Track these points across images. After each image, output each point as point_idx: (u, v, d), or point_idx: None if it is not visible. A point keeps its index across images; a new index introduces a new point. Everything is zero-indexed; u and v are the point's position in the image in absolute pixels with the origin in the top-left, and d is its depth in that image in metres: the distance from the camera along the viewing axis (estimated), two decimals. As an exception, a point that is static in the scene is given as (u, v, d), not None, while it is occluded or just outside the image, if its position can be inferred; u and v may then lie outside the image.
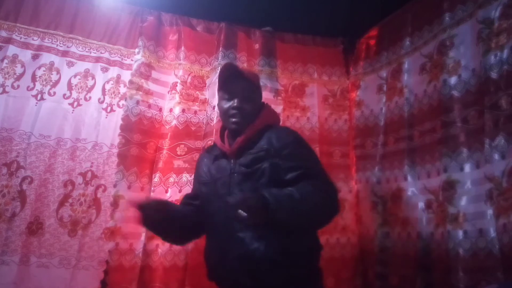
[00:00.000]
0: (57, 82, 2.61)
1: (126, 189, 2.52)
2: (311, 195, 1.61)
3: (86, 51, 2.72)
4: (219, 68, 2.89)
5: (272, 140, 1.79)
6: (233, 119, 1.82)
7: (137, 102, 2.66)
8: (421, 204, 2.41)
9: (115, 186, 2.51)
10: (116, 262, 2.43)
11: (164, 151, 2.69)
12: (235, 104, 1.81)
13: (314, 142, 3.01)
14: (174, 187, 2.64)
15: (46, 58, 2.61)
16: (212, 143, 1.98)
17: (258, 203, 1.50)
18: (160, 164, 2.67)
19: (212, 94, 2.81)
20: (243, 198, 1.51)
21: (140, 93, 2.69)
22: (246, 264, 1.64)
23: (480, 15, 2.15)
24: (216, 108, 2.13)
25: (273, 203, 1.51)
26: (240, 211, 1.47)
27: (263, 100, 2.93)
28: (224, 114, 1.86)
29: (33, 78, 2.56)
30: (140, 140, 2.64)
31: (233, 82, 1.84)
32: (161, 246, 2.51)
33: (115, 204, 2.47)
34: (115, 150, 2.59)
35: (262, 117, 1.89)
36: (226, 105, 1.84)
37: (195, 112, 2.83)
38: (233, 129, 1.83)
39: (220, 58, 2.94)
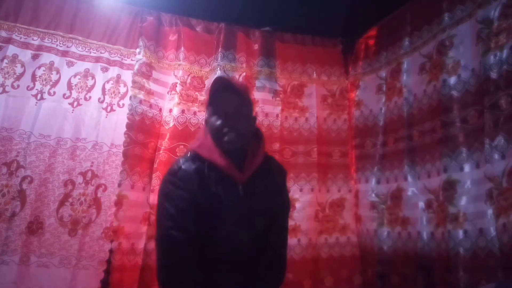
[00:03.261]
0: (57, 82, 2.61)
1: (129, 188, 2.53)
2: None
3: (86, 51, 2.72)
4: (218, 68, 2.90)
5: (276, 176, 1.79)
6: (227, 138, 1.62)
7: (140, 102, 2.67)
8: (421, 204, 2.42)
9: (119, 185, 2.51)
10: (118, 262, 2.43)
11: (161, 151, 2.69)
12: (229, 122, 1.62)
13: (312, 142, 3.03)
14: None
15: (46, 58, 2.61)
16: (194, 155, 1.70)
17: None
18: (156, 164, 2.67)
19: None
20: None
21: (143, 92, 2.70)
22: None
23: (479, 15, 2.16)
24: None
25: None
26: None
27: (261, 101, 3.00)
28: (216, 132, 1.64)
29: (33, 78, 2.57)
30: (142, 139, 2.65)
31: (226, 97, 1.66)
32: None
33: (119, 203, 2.47)
34: (115, 150, 2.60)
35: (263, 141, 1.79)
36: (218, 122, 1.63)
37: (195, 113, 2.83)
38: (227, 148, 1.64)
39: (219, 58, 2.94)
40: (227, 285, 1.60)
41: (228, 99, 1.66)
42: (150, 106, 2.74)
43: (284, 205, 1.80)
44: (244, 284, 1.61)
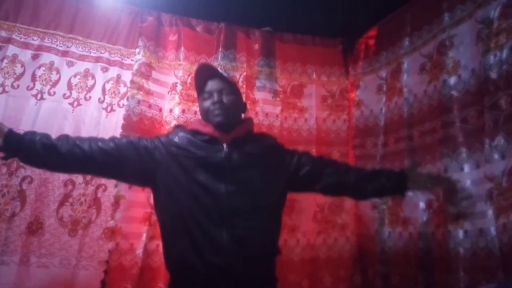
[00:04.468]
0: (57, 81, 2.61)
1: (127, 189, 2.52)
2: None
3: (86, 51, 2.72)
4: (219, 68, 2.90)
5: (268, 140, 1.92)
6: (217, 112, 1.78)
7: (138, 102, 2.66)
8: (422, 204, 2.42)
9: (116, 186, 2.52)
10: (116, 262, 2.43)
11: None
12: (215, 99, 1.79)
13: (311, 143, 3.03)
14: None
15: (46, 58, 2.61)
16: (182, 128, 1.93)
17: None
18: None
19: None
20: None
21: (141, 93, 2.69)
22: (244, 251, 1.62)
23: (479, 15, 2.16)
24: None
25: None
26: None
27: (261, 100, 3.00)
28: (206, 113, 1.83)
29: (33, 78, 2.56)
30: (141, 140, 2.63)
31: (211, 80, 1.84)
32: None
33: (116, 204, 2.47)
34: (116, 150, 2.59)
35: (251, 121, 1.97)
36: (207, 103, 1.82)
37: (195, 112, 2.81)
38: (217, 122, 1.78)
39: (219, 58, 2.94)
40: None
41: (212, 82, 1.83)
42: (149, 106, 2.74)
43: (302, 154, 1.95)
44: None
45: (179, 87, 2.82)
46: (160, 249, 2.47)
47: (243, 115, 1.99)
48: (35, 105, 2.52)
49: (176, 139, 1.79)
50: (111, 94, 2.71)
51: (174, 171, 1.72)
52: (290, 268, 2.75)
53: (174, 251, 1.70)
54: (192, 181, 1.68)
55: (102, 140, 1.78)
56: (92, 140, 1.76)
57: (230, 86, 1.88)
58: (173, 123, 2.74)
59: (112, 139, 1.80)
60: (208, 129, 1.79)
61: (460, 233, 2.10)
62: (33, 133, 1.70)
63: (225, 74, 1.95)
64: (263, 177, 1.75)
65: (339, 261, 2.88)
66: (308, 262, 2.83)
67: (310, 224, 2.90)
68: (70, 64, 2.66)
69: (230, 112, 1.80)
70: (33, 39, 2.60)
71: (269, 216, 1.74)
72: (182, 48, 2.92)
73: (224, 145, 1.74)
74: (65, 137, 1.74)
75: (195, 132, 1.81)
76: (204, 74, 1.87)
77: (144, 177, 1.79)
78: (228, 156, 1.72)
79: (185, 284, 1.66)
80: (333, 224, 2.94)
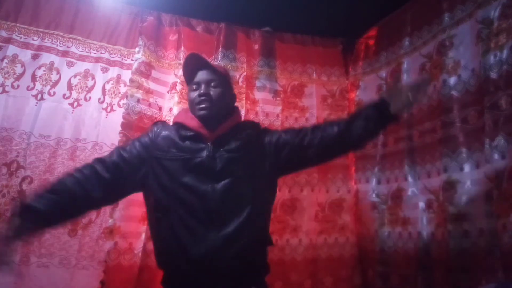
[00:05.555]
0: (57, 82, 2.61)
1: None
2: None
3: (86, 51, 2.72)
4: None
5: (251, 129, 1.86)
6: (201, 105, 1.73)
7: (138, 101, 2.66)
8: (421, 204, 2.42)
9: (115, 185, 2.51)
10: (115, 262, 2.42)
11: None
12: (201, 91, 1.75)
13: (312, 142, 3.02)
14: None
15: (46, 58, 2.61)
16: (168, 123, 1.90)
17: None
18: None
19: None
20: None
21: (141, 91, 2.70)
22: (233, 248, 1.58)
23: (479, 15, 2.16)
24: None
25: None
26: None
27: (261, 100, 3.00)
28: (192, 104, 1.78)
29: (33, 78, 2.56)
30: (140, 138, 2.63)
31: (200, 71, 1.81)
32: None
33: (114, 203, 2.47)
34: (115, 150, 2.59)
35: (238, 113, 1.92)
36: (194, 94, 1.78)
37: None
38: (201, 115, 1.74)
39: (219, 58, 2.94)
40: None
41: (200, 73, 1.80)
42: (149, 105, 2.74)
43: (281, 134, 1.85)
44: None
45: (179, 87, 2.81)
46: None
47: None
48: (35, 105, 2.53)
49: (159, 140, 1.76)
50: (111, 94, 2.71)
51: (158, 174, 1.69)
52: (293, 268, 2.76)
53: (161, 251, 1.69)
54: (177, 183, 1.65)
55: (97, 174, 1.69)
56: (87, 178, 1.68)
57: (219, 77, 1.83)
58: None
59: (103, 165, 1.72)
60: (193, 123, 1.75)
61: (460, 233, 2.09)
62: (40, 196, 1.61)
63: (217, 63, 1.89)
64: (247, 170, 1.71)
65: (340, 261, 2.88)
66: (310, 262, 2.83)
67: (312, 223, 2.90)
68: (70, 64, 2.67)
69: (216, 106, 1.76)
70: (33, 39, 2.61)
71: (257, 209, 1.68)
72: (182, 48, 2.91)
73: (209, 144, 1.70)
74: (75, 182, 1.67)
75: (179, 126, 1.78)
76: (194, 64, 1.83)
77: (140, 184, 1.78)
78: (212, 155, 1.68)
79: (176, 281, 1.65)
80: (333, 224, 2.94)
